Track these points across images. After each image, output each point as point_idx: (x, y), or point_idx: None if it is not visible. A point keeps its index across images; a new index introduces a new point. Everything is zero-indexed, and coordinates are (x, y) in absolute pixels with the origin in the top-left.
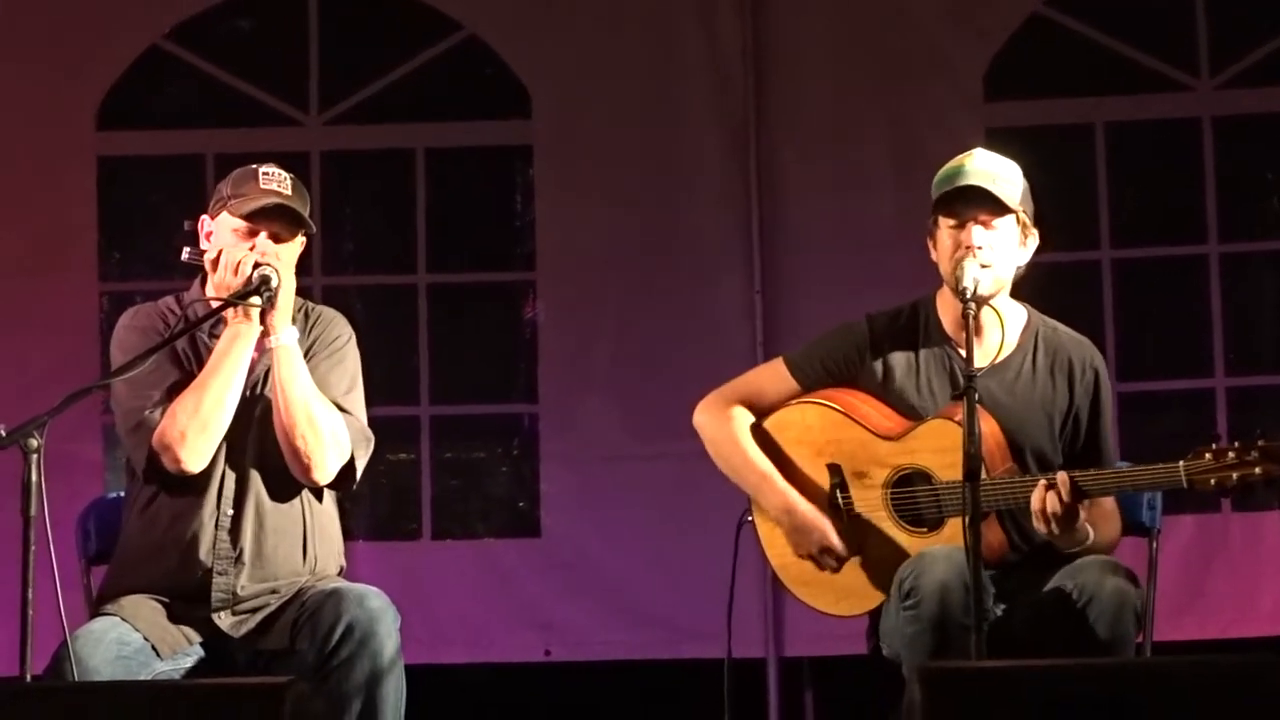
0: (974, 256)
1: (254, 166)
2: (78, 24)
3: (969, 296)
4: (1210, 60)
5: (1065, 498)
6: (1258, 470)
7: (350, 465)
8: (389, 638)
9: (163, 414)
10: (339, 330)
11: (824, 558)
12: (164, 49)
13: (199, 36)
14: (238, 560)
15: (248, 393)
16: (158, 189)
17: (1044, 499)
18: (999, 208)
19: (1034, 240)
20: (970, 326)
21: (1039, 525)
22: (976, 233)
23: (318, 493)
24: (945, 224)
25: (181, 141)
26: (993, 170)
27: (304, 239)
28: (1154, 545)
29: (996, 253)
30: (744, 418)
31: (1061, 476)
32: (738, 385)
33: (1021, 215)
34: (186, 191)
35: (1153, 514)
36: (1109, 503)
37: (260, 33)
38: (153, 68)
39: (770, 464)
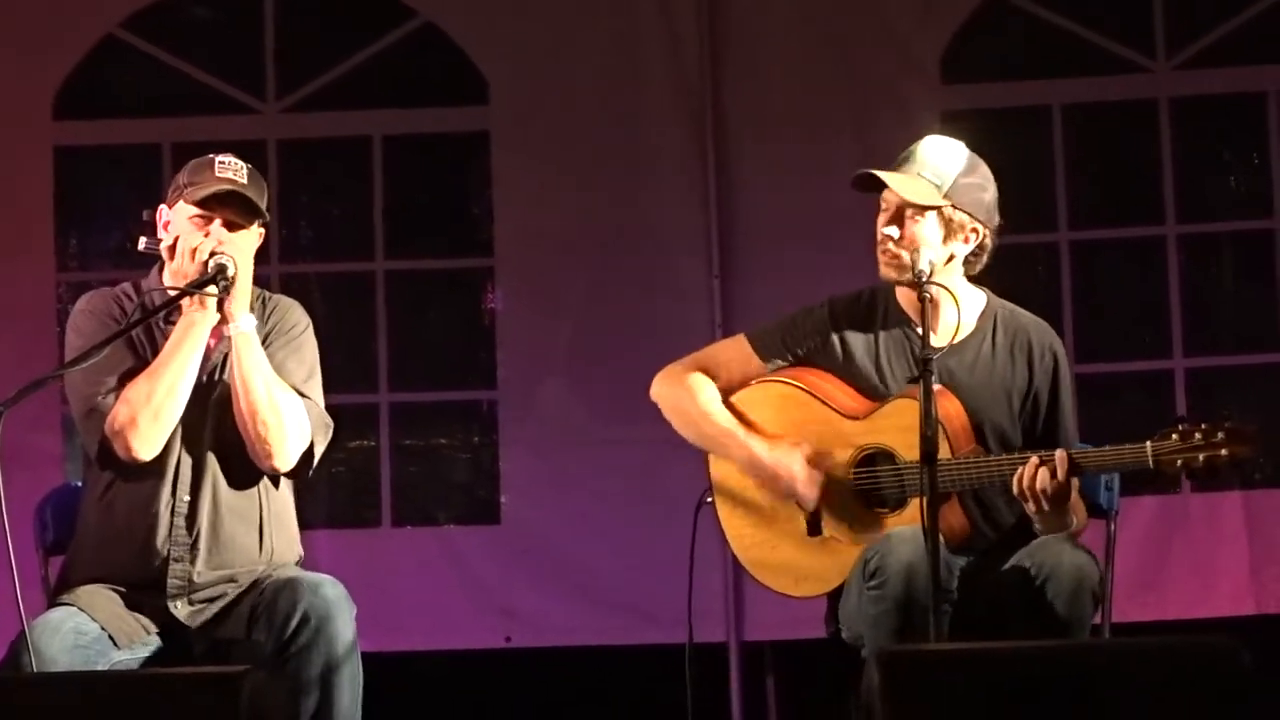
0: (888, 246)
1: (210, 156)
2: (33, 13)
3: (923, 280)
4: (1167, 42)
5: (1061, 476)
6: (1224, 452)
7: (309, 452)
8: (345, 626)
9: (116, 400)
10: (296, 318)
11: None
12: (120, 38)
13: (155, 25)
14: (194, 547)
15: (204, 379)
16: (115, 178)
17: (1034, 475)
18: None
19: (971, 237)
20: (927, 309)
21: (1027, 504)
22: (881, 221)
23: (274, 480)
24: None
25: (138, 131)
26: (922, 160)
27: (261, 229)
28: (1112, 527)
29: (904, 244)
30: (703, 381)
31: (1060, 454)
32: (698, 356)
33: (947, 211)
34: (144, 181)
35: (1110, 495)
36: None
37: (216, 21)
38: (109, 57)
39: (733, 419)
